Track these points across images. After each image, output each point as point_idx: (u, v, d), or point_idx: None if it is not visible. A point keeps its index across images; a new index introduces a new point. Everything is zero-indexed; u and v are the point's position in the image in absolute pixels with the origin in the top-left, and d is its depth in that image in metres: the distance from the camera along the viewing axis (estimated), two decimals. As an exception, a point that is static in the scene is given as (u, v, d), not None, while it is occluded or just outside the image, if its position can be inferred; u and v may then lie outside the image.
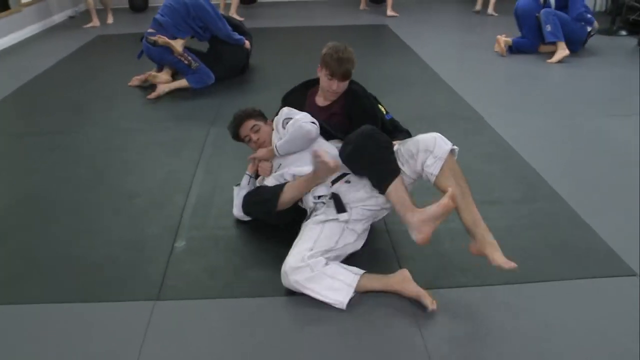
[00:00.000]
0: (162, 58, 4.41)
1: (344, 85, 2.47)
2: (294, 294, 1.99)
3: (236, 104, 4.03)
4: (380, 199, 2.13)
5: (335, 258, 2.07)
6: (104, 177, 3.00)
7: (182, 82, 4.39)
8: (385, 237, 2.36)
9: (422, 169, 2.05)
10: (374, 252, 2.26)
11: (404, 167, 2.09)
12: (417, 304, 1.94)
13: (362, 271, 2.02)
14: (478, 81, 4.56)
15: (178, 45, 4.32)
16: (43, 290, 2.08)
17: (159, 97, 4.25)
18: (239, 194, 2.47)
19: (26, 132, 3.66)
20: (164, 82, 4.35)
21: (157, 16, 4.40)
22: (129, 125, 3.74)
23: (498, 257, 1.91)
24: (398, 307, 1.95)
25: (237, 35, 4.59)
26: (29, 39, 6.57)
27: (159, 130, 3.67)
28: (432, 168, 2.01)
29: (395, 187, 2.03)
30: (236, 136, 2.62)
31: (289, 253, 2.02)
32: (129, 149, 3.35)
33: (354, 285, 1.96)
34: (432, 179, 2.03)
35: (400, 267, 2.11)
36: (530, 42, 5.29)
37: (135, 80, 4.55)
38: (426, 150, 2.03)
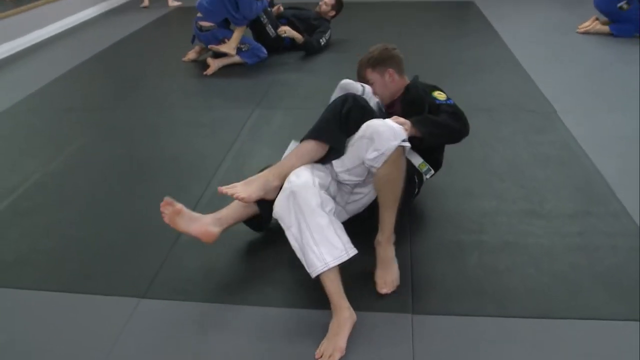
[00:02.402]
0: (210, 44, 4.31)
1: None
2: (289, 305, 1.81)
3: (288, 85, 3.90)
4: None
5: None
6: (131, 158, 2.95)
7: (236, 57, 4.28)
8: (405, 247, 2.10)
9: (365, 158, 1.80)
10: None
11: (348, 149, 1.89)
12: (417, 337, 1.69)
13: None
14: (561, 69, 4.04)
15: (230, 49, 4.20)
16: (37, 277, 2.04)
17: (213, 73, 4.17)
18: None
19: (73, 108, 3.68)
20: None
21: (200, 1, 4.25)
22: (174, 103, 3.68)
23: (379, 277, 1.85)
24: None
25: (258, 7, 4.23)
26: (111, 11, 6.74)
27: (202, 108, 3.57)
28: (375, 162, 1.76)
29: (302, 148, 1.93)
30: None
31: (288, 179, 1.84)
32: (166, 128, 3.27)
33: (345, 257, 1.68)
34: (374, 171, 1.82)
35: (413, 282, 1.89)
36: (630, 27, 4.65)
37: (191, 54, 4.50)
38: (370, 139, 1.76)
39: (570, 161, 2.68)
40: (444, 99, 2.14)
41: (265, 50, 4.39)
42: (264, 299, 1.87)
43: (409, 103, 2.17)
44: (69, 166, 2.88)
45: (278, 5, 4.77)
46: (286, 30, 4.44)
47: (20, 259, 2.15)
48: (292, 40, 4.52)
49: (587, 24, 4.87)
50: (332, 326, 1.66)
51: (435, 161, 2.22)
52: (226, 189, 1.87)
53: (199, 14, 4.27)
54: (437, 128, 2.01)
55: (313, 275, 1.68)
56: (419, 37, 4.97)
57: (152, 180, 2.69)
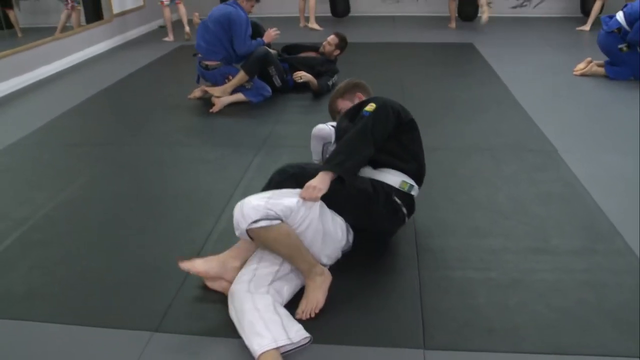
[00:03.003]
0: (217, 82, 4.41)
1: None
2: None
3: (293, 123, 3.96)
4: None
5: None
6: (139, 193, 2.98)
7: (241, 96, 4.36)
8: (415, 284, 2.13)
9: None
10: (399, 293, 2.07)
11: None
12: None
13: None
14: (562, 108, 4.15)
15: (225, 93, 4.31)
16: (48, 310, 2.04)
17: (219, 111, 4.23)
18: None
19: (80, 143, 3.74)
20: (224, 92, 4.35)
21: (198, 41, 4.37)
22: (180, 140, 3.73)
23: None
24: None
25: (252, 45, 4.35)
26: (117, 48, 6.88)
27: (208, 146, 3.63)
28: (240, 236, 1.99)
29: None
30: None
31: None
32: (172, 164, 3.32)
33: (273, 345, 1.72)
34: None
35: (423, 318, 1.91)
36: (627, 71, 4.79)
37: (197, 92, 4.53)
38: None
39: (572, 199, 2.73)
40: (370, 110, 2.20)
41: (269, 89, 4.46)
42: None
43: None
44: (78, 200, 2.91)
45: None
46: (302, 76, 4.45)
47: (31, 291, 2.16)
48: (294, 80, 4.59)
49: (582, 66, 5.01)
50: None
51: (415, 173, 2.29)
52: (185, 265, 2.05)
53: (199, 54, 4.35)
54: (347, 151, 2.09)
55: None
56: (420, 77, 5.07)
57: (161, 215, 2.72)
